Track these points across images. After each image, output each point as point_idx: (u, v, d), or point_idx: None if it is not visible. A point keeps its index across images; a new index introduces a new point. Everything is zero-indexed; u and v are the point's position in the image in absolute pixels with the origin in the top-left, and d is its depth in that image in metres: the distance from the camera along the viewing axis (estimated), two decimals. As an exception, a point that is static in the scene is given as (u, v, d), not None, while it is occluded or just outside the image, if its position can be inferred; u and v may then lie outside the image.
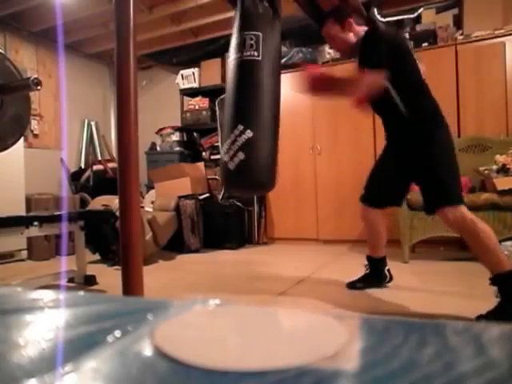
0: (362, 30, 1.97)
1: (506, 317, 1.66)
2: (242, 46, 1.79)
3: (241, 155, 1.75)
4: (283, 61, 4.12)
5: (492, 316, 1.79)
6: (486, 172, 2.94)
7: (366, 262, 2.31)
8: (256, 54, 1.79)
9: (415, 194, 2.98)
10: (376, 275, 2.29)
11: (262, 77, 1.81)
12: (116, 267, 3.06)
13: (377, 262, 2.28)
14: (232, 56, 1.82)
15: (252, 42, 1.79)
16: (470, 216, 1.75)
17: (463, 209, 1.76)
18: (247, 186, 1.95)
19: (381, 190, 2.12)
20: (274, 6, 1.89)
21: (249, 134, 1.75)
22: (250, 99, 1.80)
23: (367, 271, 2.30)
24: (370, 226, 2.20)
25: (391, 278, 2.30)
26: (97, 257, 3.49)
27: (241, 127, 1.76)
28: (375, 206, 2.14)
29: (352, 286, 2.29)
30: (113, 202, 3.13)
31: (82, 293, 0.51)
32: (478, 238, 1.72)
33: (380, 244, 2.24)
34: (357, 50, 1.93)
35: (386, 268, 2.30)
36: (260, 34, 1.80)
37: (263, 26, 1.83)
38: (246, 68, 1.80)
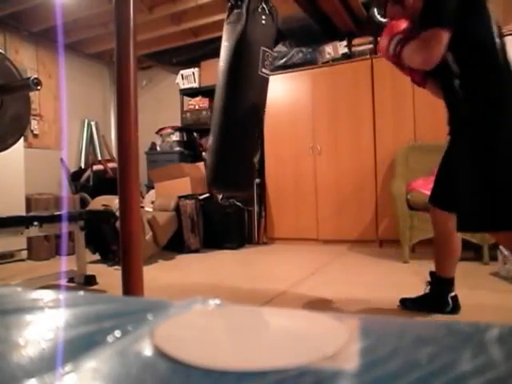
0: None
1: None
2: (261, 61, 1.86)
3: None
4: (283, 61, 4.12)
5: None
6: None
7: (429, 279, 1.88)
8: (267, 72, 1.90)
9: (415, 193, 2.99)
10: (437, 299, 1.80)
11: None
12: (116, 267, 3.06)
13: (442, 283, 1.80)
14: (266, 71, 1.88)
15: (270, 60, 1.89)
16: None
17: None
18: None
19: (443, 189, 1.71)
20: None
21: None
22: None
23: (427, 291, 1.86)
24: (438, 232, 1.78)
25: (456, 308, 1.78)
26: (97, 257, 3.49)
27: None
28: (442, 208, 1.72)
29: (404, 304, 1.88)
30: (113, 202, 3.13)
31: (81, 293, 0.51)
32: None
33: (450, 260, 1.79)
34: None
35: (452, 294, 1.79)
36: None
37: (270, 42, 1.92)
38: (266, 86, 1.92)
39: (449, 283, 1.80)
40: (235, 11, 1.85)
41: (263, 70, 1.82)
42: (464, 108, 1.49)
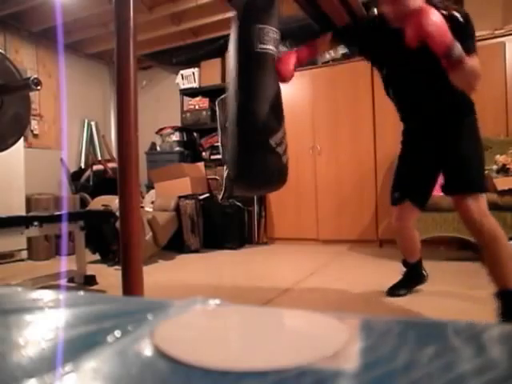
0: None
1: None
2: (277, 42, 1.75)
3: (287, 155, 1.77)
4: (283, 61, 4.11)
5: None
6: (486, 172, 2.94)
7: (404, 269, 2.20)
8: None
9: (415, 194, 2.99)
10: (416, 277, 2.19)
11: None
12: (116, 267, 3.06)
13: (415, 266, 2.17)
14: (265, 46, 1.70)
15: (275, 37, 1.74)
16: (492, 217, 1.62)
17: (485, 203, 1.64)
18: (284, 182, 1.84)
19: (410, 182, 1.94)
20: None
21: (284, 133, 1.79)
22: (280, 98, 1.85)
23: (405, 276, 2.19)
24: (405, 228, 2.02)
25: (427, 275, 2.22)
26: (97, 257, 3.49)
27: (284, 125, 1.81)
28: (407, 198, 1.94)
29: (393, 293, 2.15)
30: (113, 202, 3.13)
31: (81, 293, 0.51)
32: (495, 241, 1.58)
33: (417, 248, 2.12)
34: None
35: (423, 269, 2.22)
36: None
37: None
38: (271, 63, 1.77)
39: (419, 263, 2.17)
40: None
41: (261, 46, 1.70)
42: (455, 107, 1.74)
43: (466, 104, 1.74)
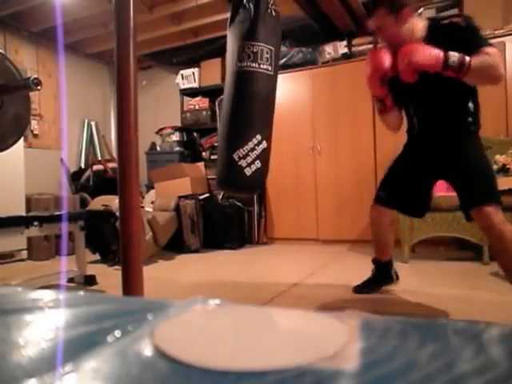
0: (421, 23, 1.76)
1: None
2: (259, 58, 1.84)
3: (258, 163, 1.89)
4: (283, 61, 4.12)
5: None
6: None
7: (373, 266, 2.23)
8: (270, 68, 1.86)
9: (415, 194, 2.99)
10: (384, 277, 2.21)
11: (273, 90, 1.92)
12: (116, 267, 3.06)
13: (385, 265, 2.19)
14: (246, 63, 1.84)
15: (267, 55, 1.84)
16: (509, 224, 1.67)
17: (501, 213, 1.68)
18: (252, 189, 2.09)
19: (402, 190, 1.99)
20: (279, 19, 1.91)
21: (264, 145, 1.90)
22: (265, 112, 1.91)
23: (374, 274, 2.23)
24: (379, 228, 2.10)
25: (397, 278, 2.23)
26: (97, 257, 3.49)
27: (259, 137, 1.87)
28: (393, 206, 2.02)
29: (359, 290, 2.22)
30: (113, 202, 3.13)
31: (81, 293, 0.51)
32: (504, 243, 1.65)
33: (389, 246, 2.16)
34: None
35: (393, 269, 2.23)
36: (273, 48, 1.86)
37: (275, 40, 1.89)
38: (260, 79, 1.87)
39: (390, 262, 2.20)
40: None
41: (238, 64, 1.85)
42: (469, 123, 1.80)
43: (476, 116, 1.80)
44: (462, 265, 2.82)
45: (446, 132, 1.85)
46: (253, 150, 1.87)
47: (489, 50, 1.57)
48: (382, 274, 2.21)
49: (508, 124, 3.37)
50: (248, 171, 1.88)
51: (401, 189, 1.99)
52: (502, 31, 3.40)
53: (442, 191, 2.98)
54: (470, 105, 1.79)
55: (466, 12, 3.67)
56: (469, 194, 1.79)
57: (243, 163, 1.88)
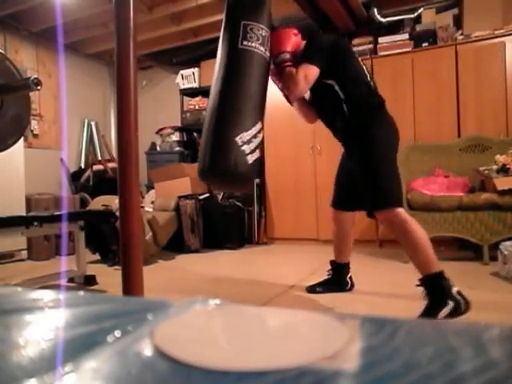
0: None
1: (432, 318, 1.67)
2: (265, 42, 1.73)
3: (257, 153, 1.70)
4: (283, 61, 4.11)
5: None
6: (486, 172, 2.94)
7: (330, 267, 2.27)
8: (268, 55, 1.75)
9: (415, 193, 2.99)
10: (338, 281, 2.24)
11: (267, 76, 1.78)
12: (116, 267, 3.06)
13: (341, 268, 2.23)
14: (244, 42, 1.68)
15: (267, 41, 1.74)
16: (404, 216, 1.73)
17: (403, 212, 1.75)
18: (247, 182, 1.85)
19: (344, 194, 2.10)
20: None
21: (261, 135, 1.74)
22: (264, 99, 1.76)
23: (329, 276, 2.27)
24: (339, 229, 2.16)
25: (352, 286, 2.26)
26: (97, 257, 3.49)
27: (259, 125, 1.70)
28: (344, 209, 2.12)
29: (312, 290, 2.25)
30: (113, 202, 3.13)
31: (81, 293, 0.51)
32: (407, 237, 1.73)
33: (347, 249, 2.21)
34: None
35: (349, 275, 2.25)
36: (268, 31, 1.75)
37: (268, 24, 1.80)
38: (259, 61, 1.72)
39: (346, 267, 2.24)
40: None
41: (244, 43, 1.68)
42: (351, 124, 1.86)
43: (367, 117, 1.85)
44: (462, 265, 2.82)
45: (337, 136, 2.02)
46: (255, 136, 1.67)
47: (307, 67, 1.76)
48: (337, 277, 2.24)
49: (508, 124, 3.37)
50: (250, 159, 1.65)
51: (339, 190, 2.14)
52: (501, 31, 3.40)
53: (442, 191, 2.98)
54: (345, 106, 1.85)
55: (467, 12, 3.67)
56: (364, 198, 1.83)
57: (246, 149, 1.64)
